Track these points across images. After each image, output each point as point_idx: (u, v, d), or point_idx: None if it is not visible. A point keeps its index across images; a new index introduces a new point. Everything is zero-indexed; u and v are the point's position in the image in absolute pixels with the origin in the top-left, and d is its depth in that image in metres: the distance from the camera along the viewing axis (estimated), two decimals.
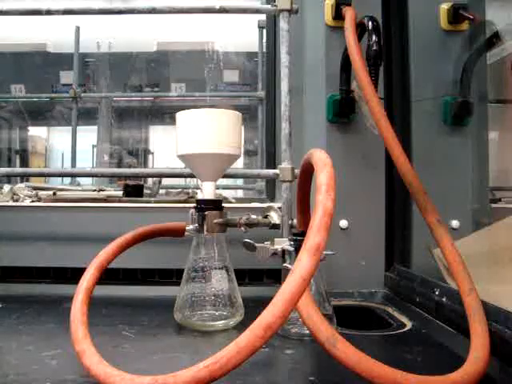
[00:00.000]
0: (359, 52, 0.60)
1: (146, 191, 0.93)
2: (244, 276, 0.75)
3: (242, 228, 0.59)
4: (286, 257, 0.56)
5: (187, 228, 0.58)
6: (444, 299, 0.54)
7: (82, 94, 1.88)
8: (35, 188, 0.92)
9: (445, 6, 0.73)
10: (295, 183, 0.59)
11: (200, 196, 0.79)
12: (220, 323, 0.54)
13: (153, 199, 0.87)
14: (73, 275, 0.73)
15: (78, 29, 1.84)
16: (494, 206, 0.84)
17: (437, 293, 0.56)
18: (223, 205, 0.58)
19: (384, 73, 0.73)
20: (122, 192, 0.91)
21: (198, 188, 0.95)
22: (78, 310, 0.45)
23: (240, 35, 1.81)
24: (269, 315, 0.32)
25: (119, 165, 2.10)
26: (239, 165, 1.69)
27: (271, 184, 0.94)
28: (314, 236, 0.34)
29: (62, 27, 1.83)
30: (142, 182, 0.98)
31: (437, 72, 0.74)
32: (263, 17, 1.25)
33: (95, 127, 2.12)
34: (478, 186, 0.75)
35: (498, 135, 0.90)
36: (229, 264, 0.57)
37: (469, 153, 0.74)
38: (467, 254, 0.50)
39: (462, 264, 0.48)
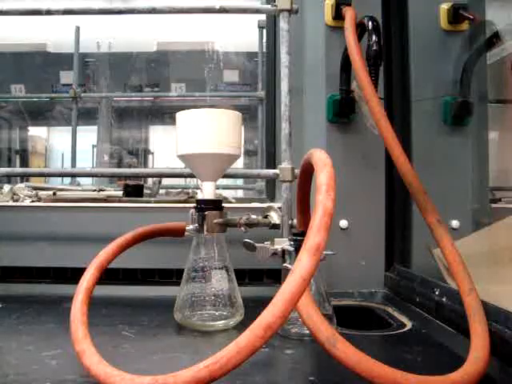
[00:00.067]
0: (359, 52, 0.60)
1: (146, 191, 0.93)
2: (244, 276, 0.75)
3: (242, 228, 0.59)
4: (286, 257, 0.56)
5: (187, 228, 0.58)
6: (444, 299, 0.54)
7: (82, 94, 1.88)
8: (35, 188, 0.92)
9: (445, 6, 0.73)
10: (295, 183, 0.58)
11: (200, 196, 0.79)
12: (220, 323, 0.54)
13: (153, 199, 0.87)
14: (73, 275, 0.73)
15: (78, 29, 1.84)
16: (494, 205, 0.84)
17: (437, 293, 0.56)
18: (223, 205, 0.58)
19: (384, 73, 0.73)
20: (122, 192, 0.91)
21: (198, 188, 0.95)
22: (77, 310, 0.45)
23: (240, 35, 1.81)
24: (269, 315, 0.32)
25: (119, 165, 2.10)
26: (239, 165, 1.69)
27: (271, 184, 0.94)
28: (314, 236, 0.34)
29: (62, 27, 1.83)
30: (141, 182, 0.98)
31: (437, 72, 0.74)
32: (263, 17, 1.25)
33: (95, 127, 2.12)
34: (477, 185, 0.75)
35: (497, 135, 0.90)
36: (229, 264, 0.57)
37: (469, 153, 0.74)
38: (467, 254, 0.50)
39: (462, 264, 0.48)
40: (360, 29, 0.64)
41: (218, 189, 0.62)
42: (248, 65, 1.92)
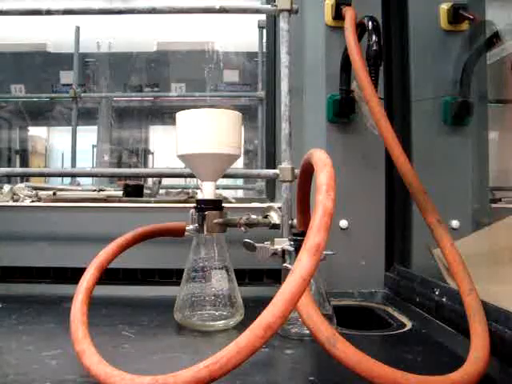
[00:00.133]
0: (359, 52, 0.60)
1: (146, 191, 0.93)
2: (244, 276, 0.75)
3: (242, 228, 0.59)
4: (286, 257, 0.56)
5: (187, 228, 0.58)
6: (444, 299, 0.54)
7: (82, 94, 1.88)
8: (35, 188, 0.92)
9: (445, 6, 0.73)
10: (295, 183, 0.58)
11: (200, 196, 0.79)
12: (220, 323, 0.54)
13: (153, 199, 0.87)
14: (73, 275, 0.73)
15: (78, 29, 1.84)
16: (494, 206, 0.84)
17: (437, 293, 0.56)
18: (223, 205, 0.58)
19: (384, 73, 0.73)
20: (122, 192, 0.91)
21: (198, 188, 0.95)
22: (78, 310, 0.45)
23: (240, 35, 1.81)
24: (269, 315, 0.32)
25: (119, 165, 2.10)
26: (239, 165, 1.69)
27: (271, 184, 0.94)
28: (314, 236, 0.34)
29: (62, 27, 1.83)
30: (142, 182, 0.98)
31: (437, 72, 0.74)
32: (263, 17, 1.25)
33: (95, 127, 2.12)
34: (478, 186, 0.75)
35: (498, 135, 0.90)
36: (229, 264, 0.57)
37: (469, 153, 0.74)
38: (467, 254, 0.50)
39: (462, 264, 0.48)
40: (360, 29, 0.64)
41: (217, 189, 0.62)
42: (248, 65, 1.92)
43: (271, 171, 0.70)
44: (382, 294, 0.71)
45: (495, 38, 0.71)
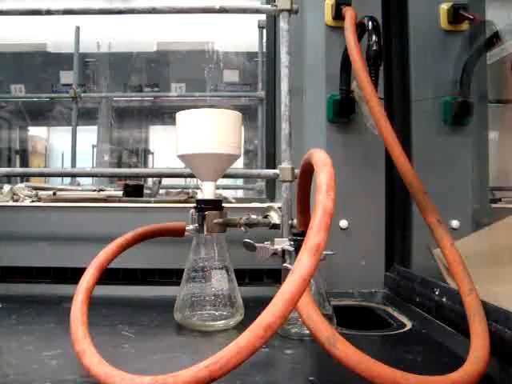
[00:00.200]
0: (359, 52, 0.60)
1: (146, 191, 0.93)
2: (244, 276, 0.75)
3: (242, 228, 0.59)
4: (286, 257, 0.56)
5: (187, 228, 0.58)
6: (444, 299, 0.54)
7: (82, 94, 1.88)
8: (35, 188, 0.92)
9: (445, 6, 0.73)
10: (295, 183, 0.58)
11: (200, 196, 0.79)
12: (220, 323, 0.54)
13: (153, 199, 0.87)
14: (73, 275, 0.73)
15: (78, 29, 1.84)
16: (494, 206, 0.84)
17: (437, 293, 0.56)
18: (223, 205, 0.58)
19: (384, 73, 0.73)
20: (122, 192, 0.91)
21: (198, 188, 0.95)
22: (78, 310, 0.45)
23: (240, 35, 1.81)
24: (269, 315, 0.32)
25: (119, 165, 2.10)
26: (239, 165, 1.69)
27: (271, 184, 0.94)
28: (314, 236, 0.34)
29: (62, 27, 1.83)
30: (142, 182, 0.98)
31: (437, 72, 0.74)
32: (263, 17, 1.25)
33: (95, 127, 2.12)
34: (478, 186, 0.75)
35: (498, 135, 0.90)
36: (229, 264, 0.57)
37: (469, 153, 0.74)
38: (467, 254, 0.50)
39: (462, 264, 0.48)
40: (360, 29, 0.64)
41: (217, 189, 0.62)
42: (248, 65, 1.92)
43: (271, 171, 0.70)
44: (381, 294, 0.71)
45: (495, 38, 0.71)
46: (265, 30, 1.23)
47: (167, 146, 1.96)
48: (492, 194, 0.88)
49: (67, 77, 1.96)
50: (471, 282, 0.47)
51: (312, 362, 0.48)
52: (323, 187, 0.37)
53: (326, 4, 0.74)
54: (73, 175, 1.10)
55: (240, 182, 1.70)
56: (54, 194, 0.89)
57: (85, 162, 2.02)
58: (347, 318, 0.59)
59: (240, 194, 1.65)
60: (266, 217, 0.64)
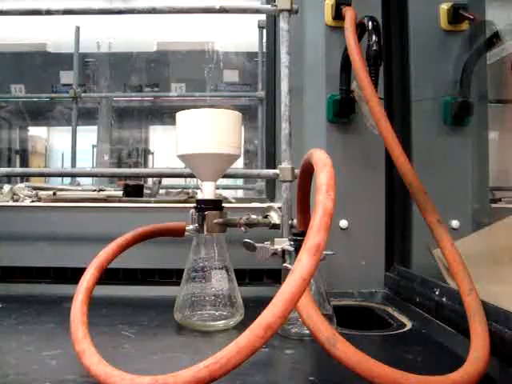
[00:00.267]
0: (359, 52, 0.60)
1: (146, 191, 0.93)
2: (244, 276, 0.75)
3: (242, 228, 0.59)
4: (286, 257, 0.56)
5: (187, 228, 0.58)
6: (444, 299, 0.54)
7: (82, 94, 1.88)
8: (35, 188, 0.92)
9: (445, 6, 0.73)
10: (295, 183, 0.58)
11: (200, 196, 0.79)
12: (220, 323, 0.54)
13: (153, 199, 0.87)
14: (73, 275, 0.73)
15: (78, 29, 1.84)
16: (494, 206, 0.84)
17: (437, 293, 0.56)
18: (223, 205, 0.58)
19: (384, 73, 0.73)
20: (122, 192, 0.91)
21: (198, 188, 0.95)
22: (78, 309, 0.45)
23: (240, 35, 1.81)
24: (269, 315, 0.32)
25: (119, 165, 2.10)
26: (239, 165, 1.69)
27: (271, 184, 0.94)
28: (314, 236, 0.34)
29: (62, 27, 1.83)
30: (142, 182, 0.98)
31: (437, 72, 0.74)
32: (263, 17, 1.25)
33: (95, 127, 2.12)
34: (478, 185, 0.75)
35: (498, 135, 0.90)
36: (229, 264, 0.57)
37: (469, 153, 0.74)
38: (467, 254, 0.50)
39: (462, 264, 0.48)
40: (360, 29, 0.64)
41: (218, 189, 0.62)
42: (248, 65, 1.92)
43: (271, 171, 0.70)
44: (382, 294, 0.71)
45: (495, 38, 0.71)
46: (265, 30, 1.23)
47: (167, 146, 1.96)
48: (492, 194, 0.88)
49: (67, 77, 1.96)
50: (471, 282, 0.47)
51: (312, 361, 0.48)
52: (323, 187, 0.37)
53: (326, 4, 0.74)
54: (73, 175, 1.10)
55: (240, 181, 1.70)
56: (54, 194, 0.89)
57: (85, 162, 2.02)
58: (347, 318, 0.59)
59: (240, 193, 1.65)
60: (266, 217, 0.64)
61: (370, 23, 0.61)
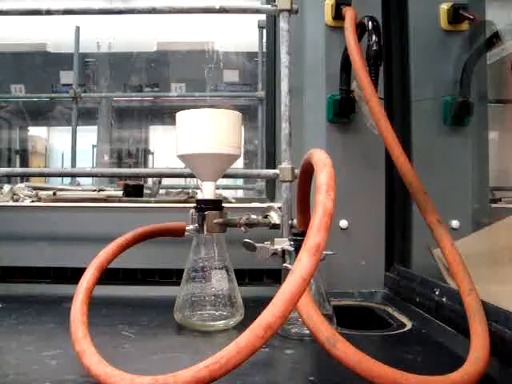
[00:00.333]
0: (359, 52, 0.60)
1: (146, 191, 0.93)
2: (244, 276, 0.75)
3: (242, 228, 0.59)
4: (286, 257, 0.56)
5: (187, 228, 0.58)
6: (444, 299, 0.54)
7: (82, 94, 1.88)
8: (35, 188, 0.92)
9: (445, 6, 0.73)
10: (295, 183, 0.58)
11: (200, 196, 0.79)
12: (220, 323, 0.54)
13: (153, 199, 0.87)
14: (73, 275, 0.73)
15: (78, 29, 1.84)
16: (494, 206, 0.84)
17: (437, 293, 0.56)
18: (223, 205, 0.58)
19: (384, 73, 0.73)
20: (122, 192, 0.91)
21: (198, 188, 0.95)
22: (78, 309, 0.45)
23: (240, 35, 1.81)
24: (269, 315, 0.32)
25: (119, 165, 2.10)
26: (239, 165, 1.69)
27: (271, 184, 0.94)
28: (314, 236, 0.34)
29: (62, 27, 1.83)
30: (142, 182, 0.98)
31: (437, 72, 0.74)
32: (263, 17, 1.25)
33: (95, 127, 2.12)
34: (478, 185, 0.75)
35: (498, 135, 0.90)
36: (229, 264, 0.57)
37: (469, 153, 0.74)
38: (467, 254, 0.50)
39: (462, 264, 0.48)
40: (360, 29, 0.64)
41: (217, 189, 0.62)
42: (248, 65, 1.92)
43: (271, 171, 0.70)
44: (381, 294, 0.71)
45: (495, 38, 0.71)
46: (265, 30, 1.23)
47: (167, 146, 1.96)
48: (492, 194, 0.88)
49: (67, 77, 1.96)
50: (471, 282, 0.47)
51: (312, 361, 0.48)
52: (323, 187, 0.37)
53: (326, 4, 0.74)
54: (73, 175, 1.10)
55: (240, 181, 1.70)
56: (54, 194, 0.89)
57: (85, 162, 2.02)
58: (347, 318, 0.59)
59: (240, 194, 1.65)
60: (266, 217, 0.64)
61: (370, 23, 0.61)
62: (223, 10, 0.68)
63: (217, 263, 0.56)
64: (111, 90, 2.05)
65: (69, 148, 1.85)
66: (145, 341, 0.50)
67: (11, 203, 0.84)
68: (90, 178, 1.52)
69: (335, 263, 0.69)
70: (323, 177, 0.38)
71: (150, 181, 1.13)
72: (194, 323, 0.54)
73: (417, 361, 0.45)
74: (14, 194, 0.88)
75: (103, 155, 2.08)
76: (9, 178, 1.15)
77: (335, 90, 0.72)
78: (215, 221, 0.56)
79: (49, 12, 0.70)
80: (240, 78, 1.97)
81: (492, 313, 0.44)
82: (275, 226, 0.63)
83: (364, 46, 0.61)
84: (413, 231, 0.73)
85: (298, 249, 0.52)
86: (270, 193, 0.94)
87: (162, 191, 1.02)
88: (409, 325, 0.57)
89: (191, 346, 0.50)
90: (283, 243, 0.56)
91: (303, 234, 0.50)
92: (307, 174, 0.52)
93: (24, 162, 2.21)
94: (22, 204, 0.83)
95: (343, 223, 0.73)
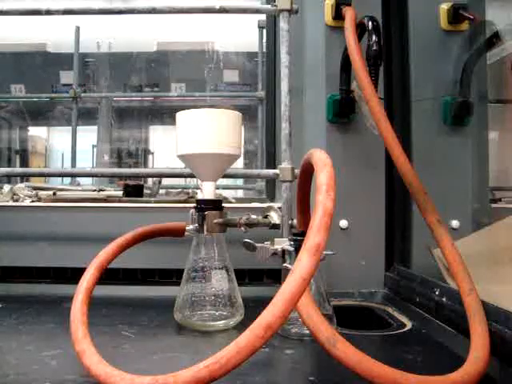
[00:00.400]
0: (359, 52, 0.60)
1: (146, 191, 0.93)
2: (244, 276, 0.75)
3: (242, 228, 0.59)
4: (286, 257, 0.56)
5: (187, 228, 0.58)
6: (444, 299, 0.54)
7: (82, 94, 1.88)
8: (35, 188, 0.92)
9: (445, 6, 0.73)
10: (295, 183, 0.58)
11: (200, 196, 0.79)
12: (220, 323, 0.54)
13: (153, 199, 0.87)
14: (73, 275, 0.73)
15: (78, 29, 1.84)
16: (494, 206, 0.84)
17: (437, 293, 0.56)
18: (223, 205, 0.58)
19: (384, 73, 0.73)
20: (122, 192, 0.91)
21: (198, 188, 0.95)
22: (78, 309, 0.45)
23: (240, 35, 1.81)
24: (269, 315, 0.32)
25: (119, 165, 2.10)
26: (239, 165, 1.69)
27: (271, 184, 0.94)
28: (314, 236, 0.34)
29: (62, 27, 1.83)
30: (142, 182, 0.98)
31: (437, 72, 0.74)
32: (263, 17, 1.25)
33: (95, 127, 2.12)
34: (478, 185, 0.75)
35: (498, 135, 0.90)
36: (229, 264, 0.57)
37: (469, 153, 0.74)
38: (467, 254, 0.50)
39: (461, 264, 0.48)
40: (360, 29, 0.64)
41: (217, 189, 0.62)
42: (248, 65, 1.92)
43: (271, 171, 0.70)
44: (381, 294, 0.71)
45: (495, 38, 0.71)
46: (265, 30, 1.23)
47: (167, 146, 1.96)
48: (492, 194, 0.88)
49: (67, 77, 1.96)
50: (471, 282, 0.47)
51: (312, 361, 0.48)
52: (323, 187, 0.37)
53: (326, 4, 0.74)
54: (73, 175, 1.10)
55: (240, 181, 1.70)
56: (54, 194, 0.89)
57: (85, 162, 2.02)
58: (347, 318, 0.59)
59: (240, 194, 1.65)
60: (266, 217, 0.64)
61: (370, 23, 0.61)
62: (223, 10, 0.68)
63: (217, 263, 0.56)
64: (111, 90, 2.05)
65: (69, 148, 1.85)
66: (145, 341, 0.50)
67: (11, 203, 0.84)
68: (90, 178, 1.52)
69: (335, 263, 0.69)
70: (323, 177, 0.38)
71: (150, 181, 1.13)
72: (194, 323, 0.54)
73: (417, 361, 0.45)
74: (14, 194, 0.88)
75: (103, 155, 2.08)
76: (9, 178, 1.15)
77: (335, 90, 0.72)
78: (215, 221, 0.56)
79: (49, 12, 0.70)
80: (240, 77, 1.97)
81: (492, 313, 0.44)
82: (275, 226, 0.63)
83: (364, 46, 0.61)
84: (413, 231, 0.73)
85: (298, 249, 0.52)
86: (270, 193, 0.94)
87: (162, 191, 1.02)
88: (409, 325, 0.57)
89: (191, 346, 0.50)
90: (283, 243, 0.56)
91: (303, 234, 0.50)
92: (307, 174, 0.52)
93: (24, 162, 2.21)
94: (22, 204, 0.83)
95: (343, 223, 0.73)
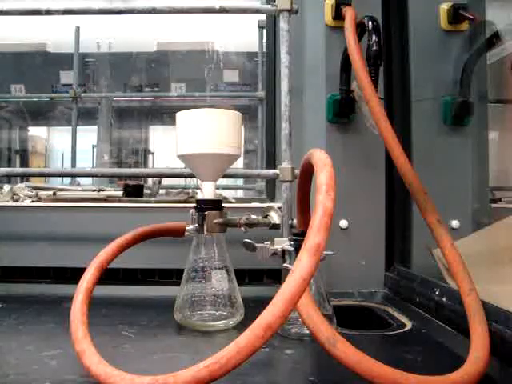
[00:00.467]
0: (359, 52, 0.60)
1: (146, 191, 0.93)
2: (244, 276, 0.75)
3: (242, 228, 0.59)
4: (286, 257, 0.56)
5: (187, 228, 0.58)
6: (444, 299, 0.54)
7: (82, 94, 1.88)
8: (35, 188, 0.92)
9: (445, 6, 0.73)
10: (295, 183, 0.58)
11: (200, 196, 0.79)
12: (220, 323, 0.54)
13: (153, 199, 0.87)
14: (73, 275, 0.73)
15: (78, 29, 1.84)
16: (494, 206, 0.84)
17: (437, 293, 0.56)
18: (223, 205, 0.58)
19: (384, 73, 0.73)
20: (122, 192, 0.91)
21: (198, 188, 0.95)
22: (78, 309, 0.45)
23: (240, 35, 1.81)
24: (269, 315, 0.32)
25: (119, 165, 2.10)
26: (239, 165, 1.69)
27: (271, 184, 0.94)
28: (314, 236, 0.34)
29: (62, 27, 1.83)
30: (142, 182, 0.98)
31: (437, 72, 0.74)
32: (263, 17, 1.25)
33: (95, 127, 2.12)
34: (478, 185, 0.75)
35: (498, 135, 0.90)
36: (229, 264, 0.57)
37: (469, 153, 0.74)
38: (467, 254, 0.50)
39: (461, 264, 0.48)
40: (360, 29, 0.64)
41: (217, 189, 0.62)
42: (248, 65, 1.92)
43: (271, 171, 0.70)
44: (381, 294, 0.71)
45: (495, 38, 0.71)
46: (265, 30, 1.23)
47: (167, 146, 1.96)
48: (492, 194, 0.88)
49: (67, 77, 1.96)
50: (471, 282, 0.47)
51: (312, 361, 0.48)
52: (323, 187, 0.37)
53: (326, 4, 0.74)
54: (73, 175, 1.10)
55: (240, 181, 1.70)
56: (54, 194, 0.89)
57: (85, 162, 2.02)
58: (347, 318, 0.59)
59: (240, 194, 1.65)
60: (266, 217, 0.64)
61: (370, 23, 0.61)
62: (223, 10, 0.68)
63: (217, 263, 0.56)
64: (111, 90, 2.05)
65: (69, 148, 1.85)
66: (145, 341, 0.50)
67: (11, 203, 0.84)
68: (90, 178, 1.52)
69: (335, 263, 0.69)
70: (323, 177, 0.38)
71: (150, 181, 1.13)
72: (194, 323, 0.54)
73: (417, 361, 0.45)
74: (14, 194, 0.88)
75: (103, 155, 2.08)
76: (9, 178, 1.15)
77: (335, 90, 0.72)
78: (215, 221, 0.56)
79: (49, 12, 0.70)
80: (240, 77, 1.97)
81: (492, 313, 0.44)
82: (275, 226, 0.63)
83: (364, 46, 0.61)
84: (413, 231, 0.73)
85: (298, 249, 0.52)
86: (270, 193, 0.94)
87: (162, 191, 1.02)
88: (409, 325, 0.57)
89: (191, 345, 0.50)
90: (283, 243, 0.56)
91: (303, 233, 0.50)
92: (307, 174, 0.52)
93: (24, 162, 2.21)
94: (22, 204, 0.83)
95: (343, 223, 0.73)
